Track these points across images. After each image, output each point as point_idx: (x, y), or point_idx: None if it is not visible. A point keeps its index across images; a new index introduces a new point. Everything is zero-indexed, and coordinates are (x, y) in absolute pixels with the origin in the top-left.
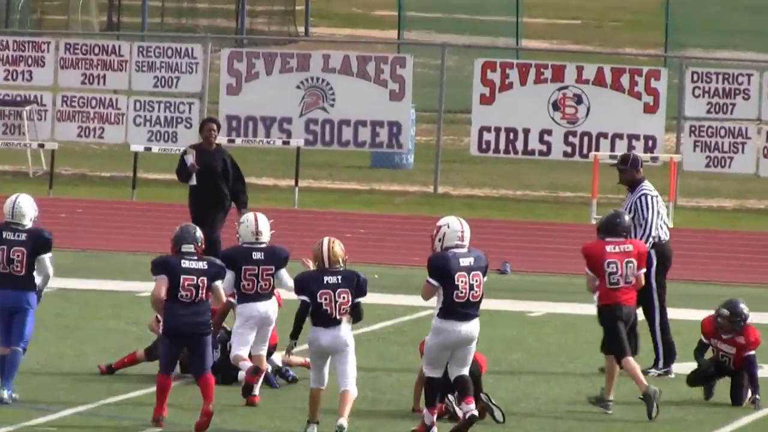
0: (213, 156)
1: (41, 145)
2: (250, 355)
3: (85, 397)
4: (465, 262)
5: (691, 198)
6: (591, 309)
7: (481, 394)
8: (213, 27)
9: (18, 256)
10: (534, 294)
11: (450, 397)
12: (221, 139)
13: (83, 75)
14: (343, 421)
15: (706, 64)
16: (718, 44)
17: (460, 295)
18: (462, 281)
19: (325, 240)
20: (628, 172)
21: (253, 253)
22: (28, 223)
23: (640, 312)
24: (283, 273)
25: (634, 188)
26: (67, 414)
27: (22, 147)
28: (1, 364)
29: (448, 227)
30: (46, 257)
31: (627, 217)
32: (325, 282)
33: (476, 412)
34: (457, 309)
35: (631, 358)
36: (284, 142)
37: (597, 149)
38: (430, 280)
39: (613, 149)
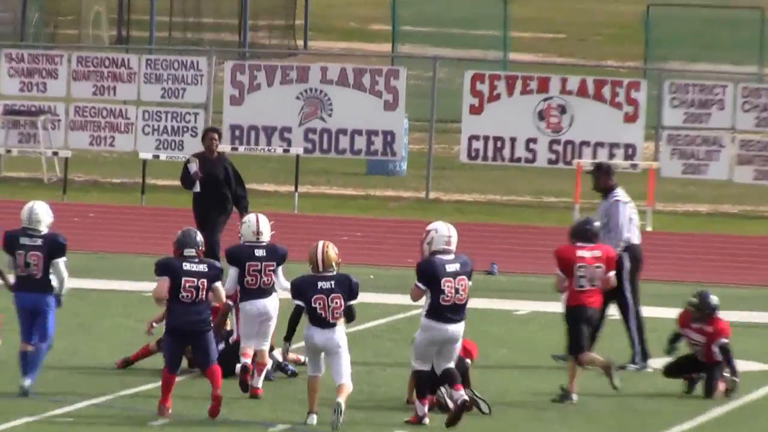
0: (215, 164)
1: (55, 153)
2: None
3: (99, 390)
4: (451, 267)
5: (669, 203)
6: None
7: (467, 389)
8: (217, 41)
9: (35, 260)
10: (520, 293)
11: (442, 389)
12: (225, 148)
13: (94, 86)
14: (341, 399)
15: (683, 75)
16: (695, 57)
17: (446, 298)
18: (448, 286)
19: (320, 244)
20: (602, 179)
21: (255, 250)
22: (44, 229)
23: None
24: (280, 272)
25: (608, 195)
26: (83, 406)
27: (37, 155)
28: (23, 360)
29: (436, 232)
30: (61, 261)
31: (596, 223)
32: (319, 287)
33: (467, 397)
34: (443, 311)
35: (588, 352)
36: (284, 150)
37: (580, 157)
38: (418, 284)
39: (595, 157)
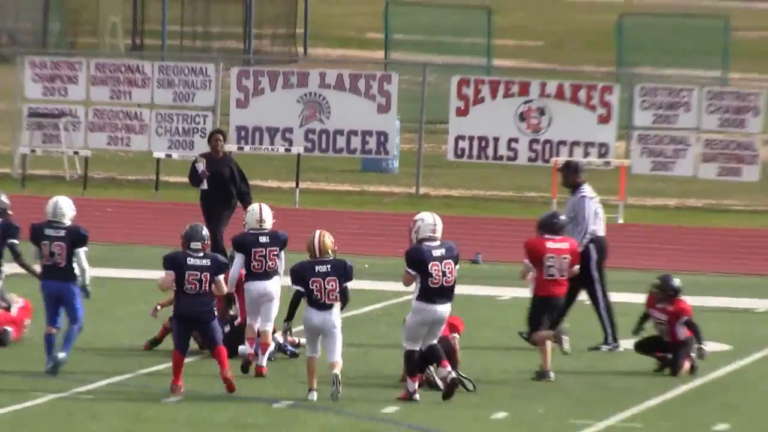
0: (221, 163)
1: (76, 153)
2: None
3: (117, 370)
4: (437, 253)
5: (639, 197)
6: None
7: (454, 369)
8: (224, 49)
9: (59, 250)
10: (503, 281)
11: (431, 368)
12: (231, 147)
13: (111, 91)
14: (337, 371)
15: (653, 80)
16: (664, 63)
17: (434, 281)
18: (435, 270)
19: (317, 233)
20: (570, 176)
21: (260, 237)
22: (67, 222)
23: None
24: (283, 255)
25: (575, 190)
26: (102, 384)
27: (59, 154)
28: (47, 342)
29: (423, 221)
30: (83, 251)
31: (562, 217)
32: (316, 271)
33: (454, 374)
34: (432, 293)
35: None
36: (286, 150)
37: (557, 155)
38: (408, 270)
39: (571, 155)
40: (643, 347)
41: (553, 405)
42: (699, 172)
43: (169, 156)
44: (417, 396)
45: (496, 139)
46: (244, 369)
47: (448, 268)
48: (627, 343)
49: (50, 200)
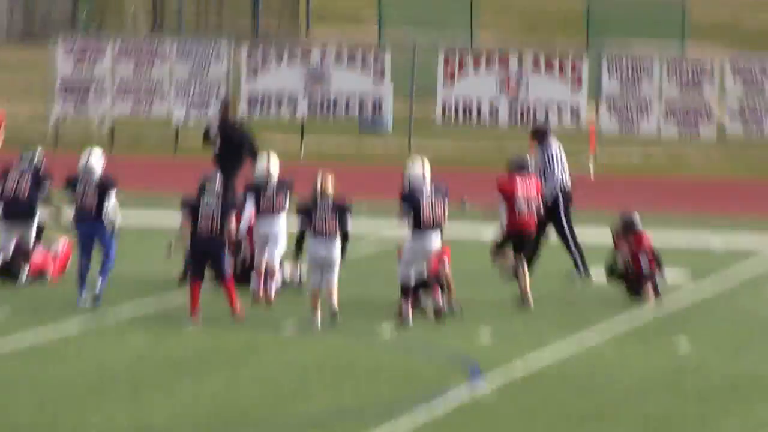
0: (230, 128)
1: (103, 120)
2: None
3: (142, 301)
4: (427, 192)
5: (608, 155)
6: None
7: (443, 296)
8: (235, 26)
9: (90, 195)
10: (486, 222)
11: (420, 291)
12: (243, 114)
13: (135, 64)
14: (334, 300)
15: (619, 51)
16: (629, 35)
17: (426, 217)
18: (426, 207)
19: (320, 175)
20: (539, 137)
21: (268, 182)
22: (97, 171)
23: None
24: (288, 197)
25: (544, 147)
26: (129, 314)
27: (89, 120)
28: (80, 277)
29: (413, 165)
30: (112, 195)
31: (529, 160)
32: (319, 209)
33: (440, 302)
34: (424, 227)
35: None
36: (292, 115)
37: (534, 118)
38: (403, 208)
39: (547, 118)
40: (613, 277)
41: (529, 324)
42: (661, 131)
43: (186, 121)
44: (410, 316)
45: (479, 105)
46: (255, 299)
47: (438, 205)
48: (598, 275)
49: (84, 151)
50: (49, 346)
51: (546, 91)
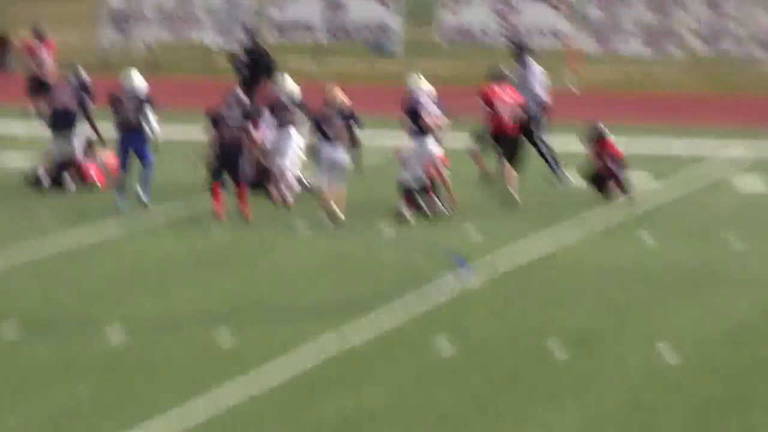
0: (255, 52)
1: (146, 44)
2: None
3: (174, 204)
4: (428, 104)
5: (590, 72)
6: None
7: (437, 197)
8: None
9: (131, 112)
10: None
11: (418, 193)
12: (270, 41)
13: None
14: (342, 200)
15: None
16: None
17: (426, 125)
18: (426, 117)
19: (332, 87)
20: (519, 50)
21: (283, 102)
22: (138, 90)
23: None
24: (299, 110)
25: (524, 64)
26: (162, 216)
27: (134, 46)
28: (120, 185)
29: (414, 82)
30: (149, 111)
31: (507, 71)
32: (330, 118)
33: (437, 202)
34: (423, 136)
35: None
36: (311, 42)
37: (523, 39)
38: (406, 117)
39: (527, 37)
40: (587, 178)
41: (513, 222)
42: (639, 52)
43: (216, 45)
44: (410, 216)
45: (479, 31)
46: (272, 201)
47: (436, 115)
48: (574, 177)
49: (125, 73)
50: (90, 246)
51: (538, 18)
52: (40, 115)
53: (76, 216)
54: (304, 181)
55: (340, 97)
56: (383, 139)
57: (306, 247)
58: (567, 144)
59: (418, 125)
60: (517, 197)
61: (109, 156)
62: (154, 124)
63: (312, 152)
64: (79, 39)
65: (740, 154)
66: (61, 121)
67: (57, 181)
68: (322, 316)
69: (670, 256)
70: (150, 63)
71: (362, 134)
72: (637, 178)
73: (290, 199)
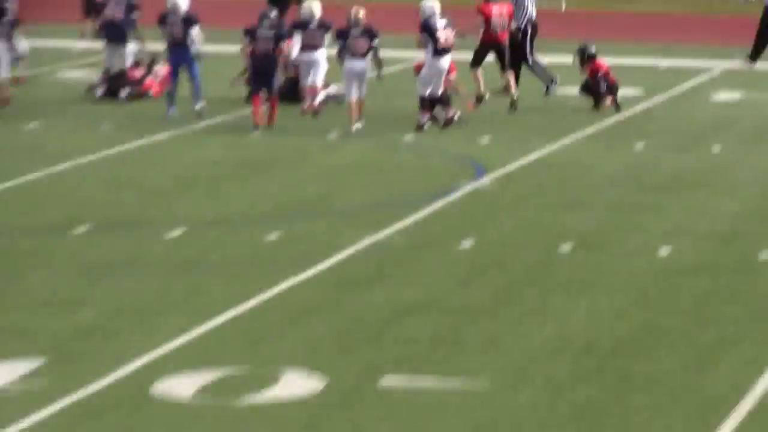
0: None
1: None
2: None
3: (218, 113)
4: (440, 24)
5: None
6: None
7: (451, 108)
8: None
9: (178, 28)
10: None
11: (437, 107)
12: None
13: None
14: (362, 108)
15: None
16: None
17: (440, 43)
18: (440, 35)
19: (354, 7)
20: None
21: (310, 24)
22: (184, 8)
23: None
24: (328, 36)
25: None
26: (204, 127)
27: None
28: (170, 96)
29: (428, 2)
30: (195, 30)
31: None
32: (352, 34)
33: (452, 113)
34: (440, 51)
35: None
36: None
37: None
38: (422, 36)
39: None
40: (582, 93)
41: (521, 132)
42: None
43: None
44: (426, 126)
45: None
46: (305, 112)
47: (448, 33)
48: (571, 91)
49: None
50: (144, 151)
51: None
52: (94, 30)
53: (131, 124)
54: (331, 92)
55: (362, 15)
56: (399, 53)
57: (336, 153)
58: (552, 61)
59: (434, 43)
60: (516, 96)
61: (161, 69)
62: (199, 40)
63: (339, 60)
64: None
65: (718, 68)
66: (112, 34)
67: (112, 92)
68: (357, 218)
69: (660, 162)
70: None
71: (383, 51)
72: (628, 92)
73: (318, 108)
